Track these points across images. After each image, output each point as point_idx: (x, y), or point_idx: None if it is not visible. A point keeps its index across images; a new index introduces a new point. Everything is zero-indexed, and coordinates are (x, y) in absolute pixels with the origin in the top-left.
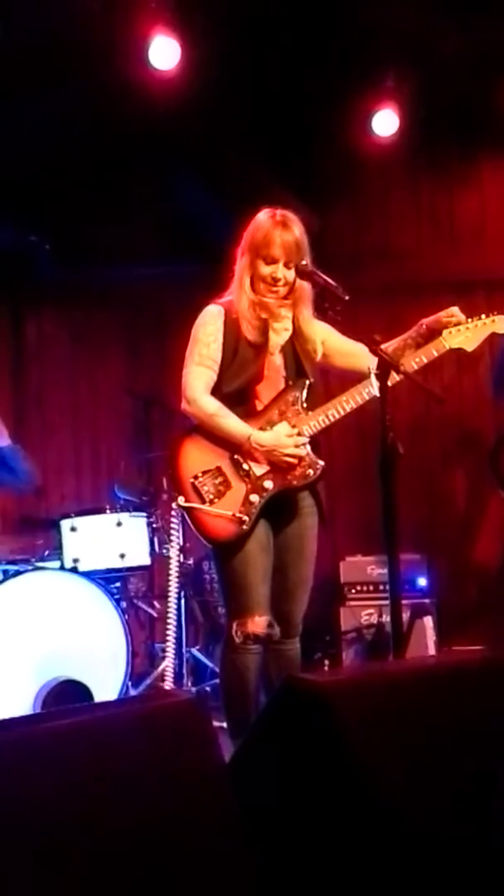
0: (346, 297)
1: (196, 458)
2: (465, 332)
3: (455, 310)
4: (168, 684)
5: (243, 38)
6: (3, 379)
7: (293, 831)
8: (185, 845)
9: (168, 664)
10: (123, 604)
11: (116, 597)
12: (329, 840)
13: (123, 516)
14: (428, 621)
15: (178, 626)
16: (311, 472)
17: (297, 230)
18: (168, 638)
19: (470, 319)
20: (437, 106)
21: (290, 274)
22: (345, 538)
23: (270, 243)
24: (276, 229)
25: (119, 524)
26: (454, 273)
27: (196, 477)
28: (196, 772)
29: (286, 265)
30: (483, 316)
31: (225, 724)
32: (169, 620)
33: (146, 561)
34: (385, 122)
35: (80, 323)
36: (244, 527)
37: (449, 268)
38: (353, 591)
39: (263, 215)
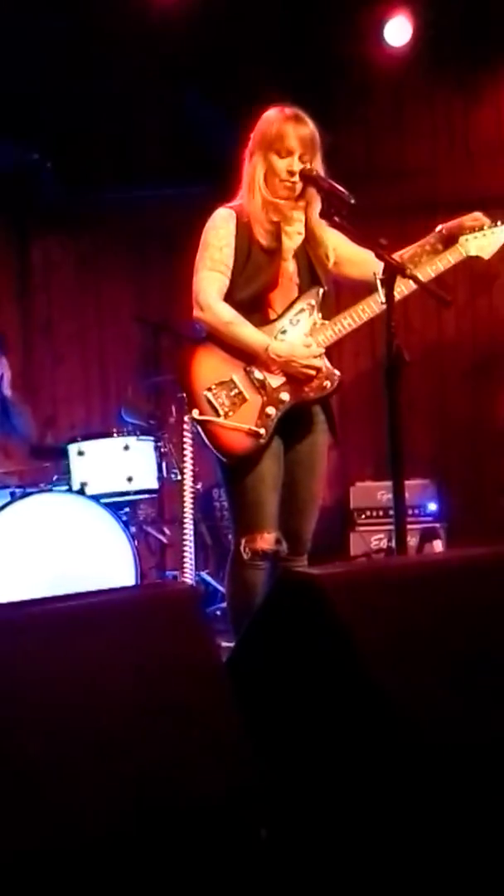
0: (352, 201)
1: (209, 369)
2: (482, 239)
3: (478, 214)
4: None
5: None
6: (9, 308)
7: (289, 723)
8: (182, 731)
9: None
10: (133, 529)
11: (125, 520)
12: (325, 729)
13: (131, 440)
14: (437, 545)
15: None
16: (328, 383)
17: (311, 125)
18: (185, 560)
19: (493, 223)
20: (452, 13)
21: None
22: (355, 463)
23: (285, 136)
24: (290, 122)
25: (126, 448)
26: (471, 190)
27: (210, 389)
28: (192, 657)
29: (301, 159)
30: (500, 223)
31: (233, 644)
32: (186, 541)
33: (154, 485)
34: (398, 31)
35: (86, 247)
36: (261, 440)
37: (466, 185)
38: (363, 516)
39: (273, 111)
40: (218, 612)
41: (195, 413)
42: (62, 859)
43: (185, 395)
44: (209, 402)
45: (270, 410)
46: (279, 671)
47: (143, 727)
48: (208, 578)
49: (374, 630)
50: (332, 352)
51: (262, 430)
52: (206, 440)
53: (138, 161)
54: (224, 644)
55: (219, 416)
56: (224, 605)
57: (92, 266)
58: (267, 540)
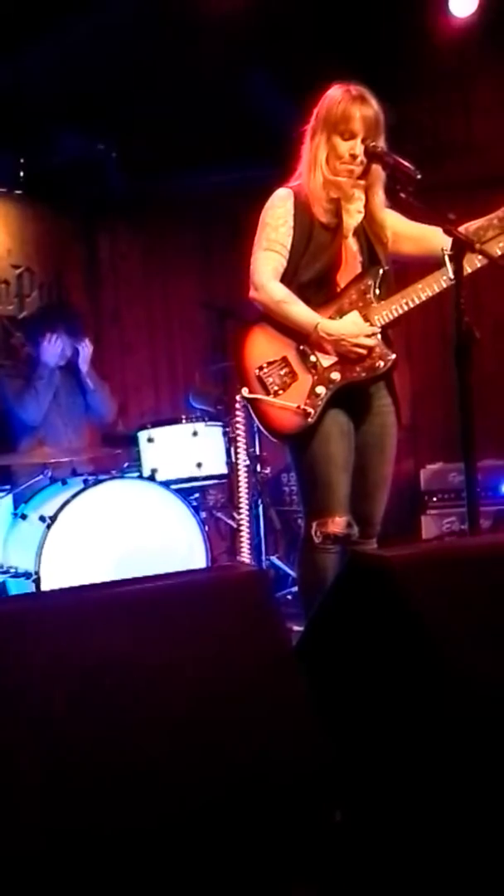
0: (419, 177)
1: (262, 348)
2: None
3: None
4: None
5: None
6: (79, 298)
7: (360, 706)
8: (252, 715)
9: None
10: (203, 514)
11: (195, 505)
12: (396, 712)
13: (199, 426)
14: None
15: (256, 535)
16: (380, 363)
17: (376, 105)
18: (242, 545)
19: None
20: None
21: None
22: (426, 446)
23: (349, 118)
24: (355, 104)
25: (195, 434)
26: None
27: (261, 368)
28: (261, 640)
29: (364, 141)
30: None
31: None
32: (242, 526)
33: (223, 470)
34: (463, 2)
35: (152, 236)
36: (309, 420)
37: None
38: (435, 499)
39: (337, 90)
40: (289, 597)
41: (244, 391)
42: (135, 839)
43: (236, 373)
44: (260, 380)
45: (320, 390)
46: (350, 654)
47: (213, 710)
48: (278, 563)
49: (447, 612)
50: (400, 333)
51: (311, 410)
52: (256, 419)
53: (203, 147)
54: (295, 628)
55: (268, 394)
56: (294, 589)
57: (158, 255)
58: (338, 524)
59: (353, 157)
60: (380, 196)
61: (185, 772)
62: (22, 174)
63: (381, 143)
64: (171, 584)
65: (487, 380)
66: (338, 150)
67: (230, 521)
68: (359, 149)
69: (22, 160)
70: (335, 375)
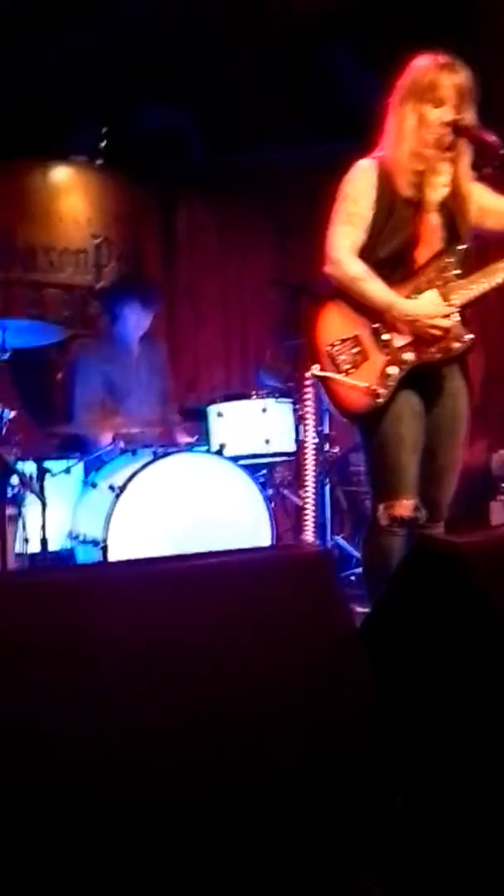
0: None
1: (335, 325)
2: None
3: None
4: None
5: None
6: (156, 270)
7: (425, 691)
8: (313, 695)
9: None
10: (270, 491)
11: (262, 482)
12: (462, 699)
13: (269, 402)
14: None
15: (322, 514)
16: (456, 345)
17: (465, 73)
18: (306, 523)
19: None
20: None
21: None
22: (499, 429)
23: (438, 85)
24: (444, 71)
25: (264, 410)
26: None
27: (333, 345)
28: (325, 620)
29: (455, 109)
30: None
31: (368, 610)
32: (307, 504)
33: (291, 447)
34: None
35: (229, 210)
36: (379, 400)
37: None
38: None
39: (425, 60)
40: (352, 578)
41: (315, 368)
42: (193, 818)
43: (308, 350)
44: (331, 358)
45: (392, 370)
46: (415, 638)
47: (275, 689)
48: (343, 543)
49: None
50: (476, 312)
51: (382, 390)
52: (327, 397)
53: (281, 122)
54: (358, 609)
55: (339, 372)
56: (359, 570)
57: (235, 228)
58: (406, 507)
59: (444, 124)
60: (466, 169)
61: (243, 751)
62: (103, 144)
63: (471, 115)
64: (236, 560)
65: None
66: (426, 117)
67: (296, 499)
68: (449, 116)
69: (104, 130)
70: (409, 356)
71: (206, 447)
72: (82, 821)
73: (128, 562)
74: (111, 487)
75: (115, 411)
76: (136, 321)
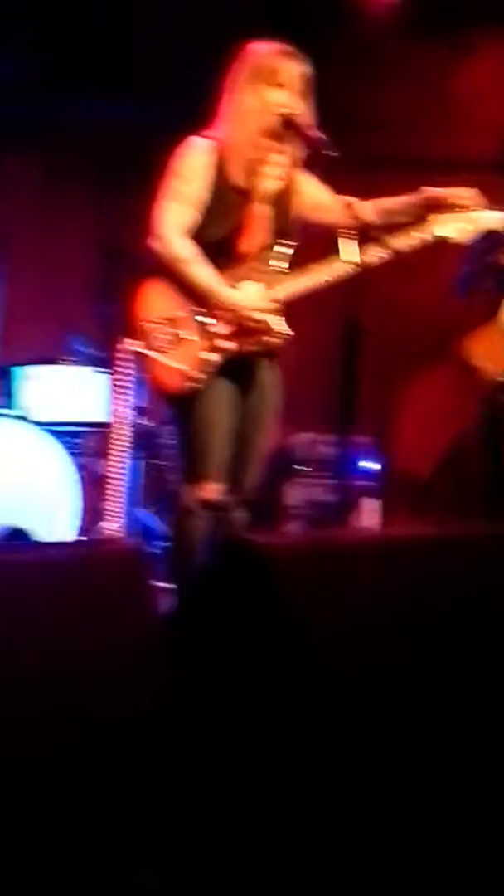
0: (335, 154)
1: (156, 302)
2: (464, 222)
3: (472, 193)
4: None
5: None
6: None
7: (228, 689)
8: (110, 695)
9: (114, 523)
10: (80, 460)
11: (71, 451)
12: (263, 699)
13: (82, 370)
14: (373, 504)
15: (129, 487)
16: (274, 339)
17: (307, 64)
18: (110, 494)
19: (480, 206)
20: None
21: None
22: (297, 414)
23: (279, 69)
24: (287, 57)
25: (76, 377)
26: (445, 151)
27: (153, 322)
28: (130, 622)
29: (295, 95)
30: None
31: (172, 586)
32: (112, 475)
33: (103, 417)
34: None
35: (46, 166)
36: (195, 384)
37: (440, 144)
38: (303, 467)
39: (264, 45)
40: (155, 552)
41: (132, 343)
42: None
43: (128, 323)
44: (150, 334)
45: (209, 356)
46: (218, 634)
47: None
48: (147, 516)
49: (320, 605)
50: (296, 308)
51: (198, 375)
52: (143, 373)
53: (103, 76)
54: (161, 584)
55: (157, 350)
56: (162, 543)
57: (54, 185)
58: (212, 490)
59: (283, 107)
60: (297, 163)
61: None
62: None
63: (308, 106)
64: (46, 554)
65: (365, 356)
66: (267, 100)
67: (102, 469)
68: (289, 99)
69: None
70: (227, 344)
71: (9, 410)
72: None
73: None
74: None
75: None
76: None
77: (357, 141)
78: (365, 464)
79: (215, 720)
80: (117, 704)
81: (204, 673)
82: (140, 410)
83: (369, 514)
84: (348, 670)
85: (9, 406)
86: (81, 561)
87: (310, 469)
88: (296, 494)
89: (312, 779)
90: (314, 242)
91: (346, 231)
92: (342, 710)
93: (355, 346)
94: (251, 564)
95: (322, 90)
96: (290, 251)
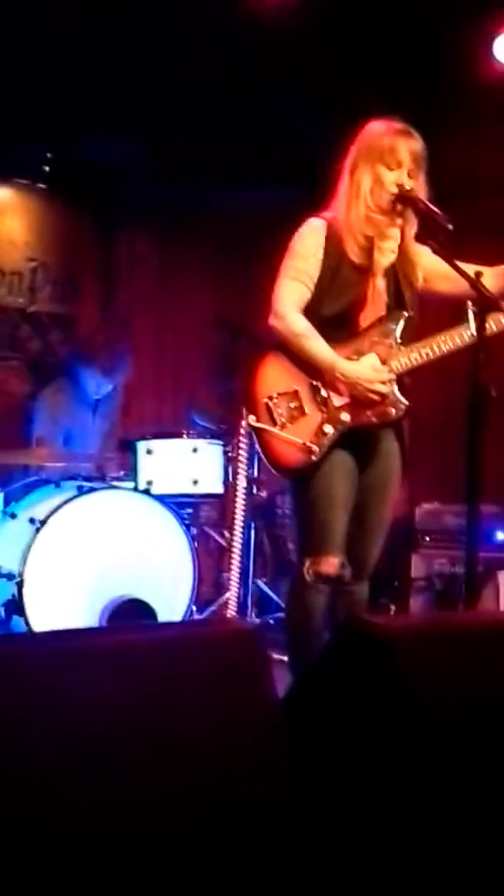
0: (450, 227)
1: (274, 378)
2: None
3: None
4: (231, 613)
5: None
6: (92, 299)
7: (347, 772)
8: (230, 777)
9: (232, 593)
10: (194, 530)
11: (187, 522)
12: (384, 785)
13: (200, 443)
14: (503, 576)
15: (245, 557)
16: (392, 410)
17: (420, 141)
18: (232, 565)
19: None
20: None
21: (412, 185)
22: (422, 483)
23: (395, 149)
24: (401, 136)
25: (195, 450)
26: None
27: (271, 397)
28: (248, 702)
29: (409, 174)
30: None
31: (286, 658)
32: (234, 547)
33: (219, 489)
34: None
35: (171, 246)
36: (313, 457)
37: None
38: (427, 538)
39: (381, 124)
40: (271, 622)
41: (251, 419)
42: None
43: (245, 400)
44: (268, 410)
45: (328, 429)
46: (337, 718)
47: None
48: (264, 587)
49: (442, 690)
50: (420, 374)
51: (316, 448)
52: (260, 449)
53: (229, 163)
54: (275, 656)
55: (275, 425)
56: (278, 615)
57: (176, 265)
58: (332, 564)
59: (400, 186)
60: (412, 236)
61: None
62: (47, 168)
63: (422, 182)
64: (159, 635)
65: (492, 423)
66: (383, 179)
67: (220, 540)
68: (405, 179)
69: (49, 154)
70: (345, 416)
71: (133, 483)
72: None
73: (48, 633)
74: (31, 520)
75: (41, 441)
76: (96, 387)
77: (482, 206)
78: (496, 534)
79: (333, 804)
80: (239, 785)
81: (321, 756)
82: (255, 482)
83: (501, 588)
84: (478, 764)
85: (131, 479)
86: (200, 642)
87: (434, 540)
88: (421, 566)
89: (438, 875)
90: (429, 312)
91: (475, 301)
92: (472, 806)
93: (481, 411)
94: (373, 648)
95: (444, 157)
96: (408, 322)
